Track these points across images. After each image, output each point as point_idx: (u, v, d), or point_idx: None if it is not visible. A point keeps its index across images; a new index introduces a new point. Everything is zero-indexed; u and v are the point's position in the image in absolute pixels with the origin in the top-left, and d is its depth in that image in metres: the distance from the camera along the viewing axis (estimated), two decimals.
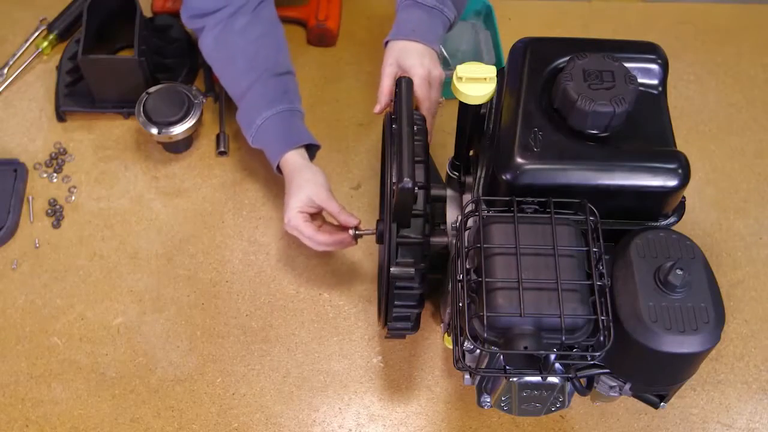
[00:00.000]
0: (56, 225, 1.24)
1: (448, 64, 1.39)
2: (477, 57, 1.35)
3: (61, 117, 1.34)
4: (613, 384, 0.90)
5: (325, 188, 1.11)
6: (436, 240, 1.00)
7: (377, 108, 1.12)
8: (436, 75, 1.12)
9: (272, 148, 1.16)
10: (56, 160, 1.31)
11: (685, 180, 0.87)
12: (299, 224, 1.09)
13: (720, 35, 1.49)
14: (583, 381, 0.92)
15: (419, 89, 1.08)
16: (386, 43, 1.14)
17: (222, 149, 1.31)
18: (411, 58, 1.10)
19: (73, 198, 1.27)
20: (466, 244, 0.86)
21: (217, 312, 1.18)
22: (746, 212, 1.28)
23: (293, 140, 1.15)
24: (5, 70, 1.39)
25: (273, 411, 1.10)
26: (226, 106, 1.35)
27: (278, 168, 1.16)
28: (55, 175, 1.29)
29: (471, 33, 1.38)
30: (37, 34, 1.43)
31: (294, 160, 1.14)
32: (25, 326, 1.16)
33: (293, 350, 1.15)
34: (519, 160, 0.87)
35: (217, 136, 1.33)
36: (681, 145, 0.91)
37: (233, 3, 1.18)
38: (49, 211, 1.25)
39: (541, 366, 0.83)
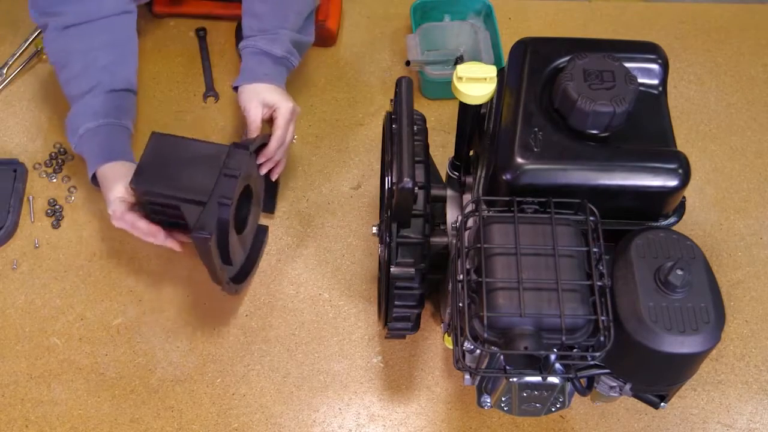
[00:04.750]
0: (56, 225, 1.24)
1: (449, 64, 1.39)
2: (476, 57, 1.35)
3: None
4: (614, 384, 0.90)
5: None
6: (436, 240, 1.00)
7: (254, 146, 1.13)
8: (298, 109, 1.18)
9: (91, 158, 1.14)
10: (56, 160, 1.31)
11: (685, 180, 0.87)
12: (122, 213, 1.07)
13: (720, 35, 1.49)
14: (584, 381, 0.92)
15: (288, 119, 1.14)
16: (235, 87, 1.18)
17: None
18: (274, 94, 1.15)
19: (73, 198, 1.27)
20: (466, 244, 0.86)
21: (217, 312, 1.17)
22: (747, 212, 1.28)
23: (111, 155, 1.13)
24: (5, 70, 1.39)
25: (273, 411, 1.10)
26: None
27: (94, 179, 1.14)
28: (54, 175, 1.29)
29: (471, 33, 1.38)
30: (36, 34, 1.43)
31: (109, 169, 1.12)
32: (24, 326, 1.16)
33: (293, 350, 1.15)
34: (519, 160, 0.87)
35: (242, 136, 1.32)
36: (681, 145, 0.91)
37: (85, 11, 1.15)
38: (49, 211, 1.25)
39: (542, 366, 0.83)
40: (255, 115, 1.15)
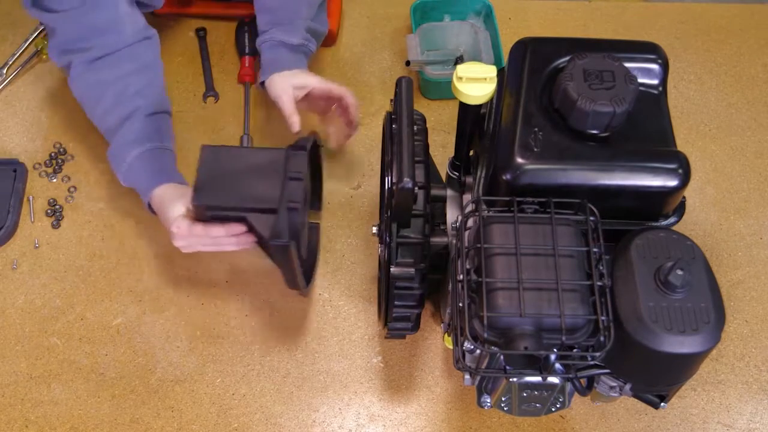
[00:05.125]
0: (56, 225, 1.24)
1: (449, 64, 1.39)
2: (476, 57, 1.35)
3: None
4: (614, 384, 0.90)
5: None
6: (436, 240, 1.00)
7: (295, 127, 1.16)
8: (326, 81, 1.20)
9: (142, 185, 1.13)
10: (56, 160, 1.31)
11: (685, 180, 0.87)
12: (189, 228, 1.03)
13: (720, 35, 1.49)
14: (584, 381, 0.92)
15: (326, 83, 1.18)
16: (262, 83, 1.20)
17: None
18: (299, 75, 1.18)
19: (73, 198, 1.27)
20: (466, 244, 0.86)
21: (217, 312, 1.18)
22: (747, 212, 1.28)
23: (162, 178, 1.11)
24: (5, 70, 1.39)
25: (273, 411, 1.10)
26: (252, 107, 1.35)
27: (150, 207, 1.12)
28: (54, 175, 1.29)
29: (471, 33, 1.38)
30: (36, 34, 1.43)
31: (164, 192, 1.10)
32: (24, 326, 1.16)
33: (293, 350, 1.15)
34: (519, 160, 0.87)
35: (241, 138, 1.32)
36: (681, 145, 0.90)
37: (108, 44, 1.14)
38: (49, 211, 1.25)
39: (542, 366, 0.83)
40: (288, 103, 1.16)
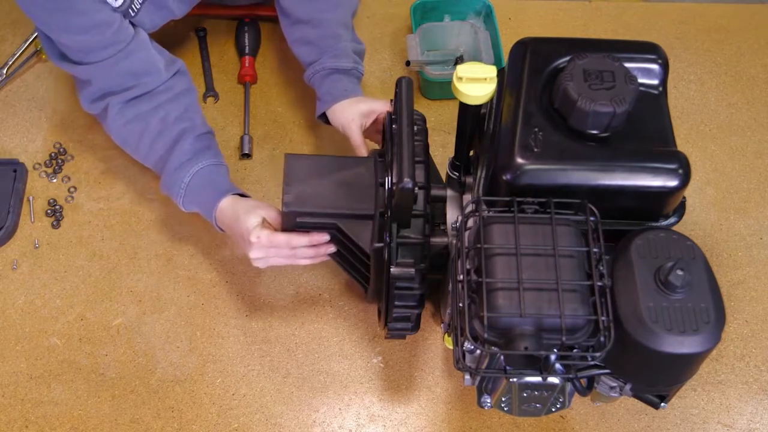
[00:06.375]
0: (56, 225, 1.24)
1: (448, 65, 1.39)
2: (476, 57, 1.35)
3: None
4: (614, 384, 0.90)
5: (274, 209, 1.05)
6: (436, 240, 1.00)
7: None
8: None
9: (206, 203, 1.11)
10: (56, 160, 1.31)
11: (685, 180, 0.87)
12: (269, 237, 1.00)
13: (720, 35, 1.49)
14: (584, 381, 0.92)
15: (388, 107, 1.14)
16: (322, 115, 1.20)
17: (246, 152, 1.31)
18: (362, 103, 1.16)
19: (73, 198, 1.27)
20: (466, 245, 0.86)
21: (217, 312, 1.18)
22: (747, 212, 1.28)
23: (225, 190, 1.10)
24: (4, 70, 1.39)
25: (273, 411, 1.10)
26: (252, 107, 1.36)
27: (216, 223, 1.10)
28: (54, 175, 1.29)
29: (471, 33, 1.38)
30: (36, 34, 1.43)
31: (232, 204, 1.08)
32: (24, 326, 1.16)
33: (293, 350, 1.15)
34: (519, 160, 0.87)
35: (242, 138, 1.32)
36: (681, 145, 0.90)
37: (147, 84, 1.13)
38: (49, 211, 1.25)
39: (542, 366, 0.83)
40: (357, 133, 1.14)
